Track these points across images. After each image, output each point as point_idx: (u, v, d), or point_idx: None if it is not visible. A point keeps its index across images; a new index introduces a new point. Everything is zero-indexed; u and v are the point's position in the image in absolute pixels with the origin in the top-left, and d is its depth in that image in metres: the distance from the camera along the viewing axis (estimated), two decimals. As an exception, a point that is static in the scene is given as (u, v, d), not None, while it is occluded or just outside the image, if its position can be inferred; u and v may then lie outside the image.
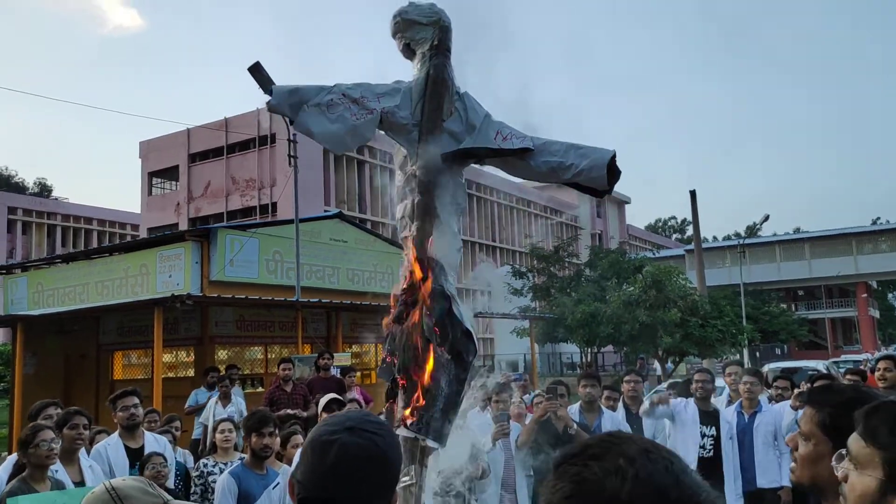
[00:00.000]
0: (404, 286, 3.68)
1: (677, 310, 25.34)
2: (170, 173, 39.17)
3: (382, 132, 3.87)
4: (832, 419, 1.74)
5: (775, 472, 6.36)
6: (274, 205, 33.51)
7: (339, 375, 10.85)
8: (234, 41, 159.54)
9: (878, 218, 77.91)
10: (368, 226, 30.26)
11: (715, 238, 75.88)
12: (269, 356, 17.10)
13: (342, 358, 13.53)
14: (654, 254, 47.96)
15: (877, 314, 60.57)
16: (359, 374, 12.64)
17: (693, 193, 32.05)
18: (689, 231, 48.35)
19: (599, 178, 3.80)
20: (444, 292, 3.56)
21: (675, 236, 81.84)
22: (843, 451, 1.38)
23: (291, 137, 19.77)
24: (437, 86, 3.72)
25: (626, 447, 0.94)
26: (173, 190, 39.33)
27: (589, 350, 31.08)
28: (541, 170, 3.92)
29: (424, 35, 3.77)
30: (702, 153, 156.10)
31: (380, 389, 12.58)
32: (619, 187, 4.28)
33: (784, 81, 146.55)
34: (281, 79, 3.55)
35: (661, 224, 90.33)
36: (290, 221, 18.48)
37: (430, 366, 3.51)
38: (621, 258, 33.10)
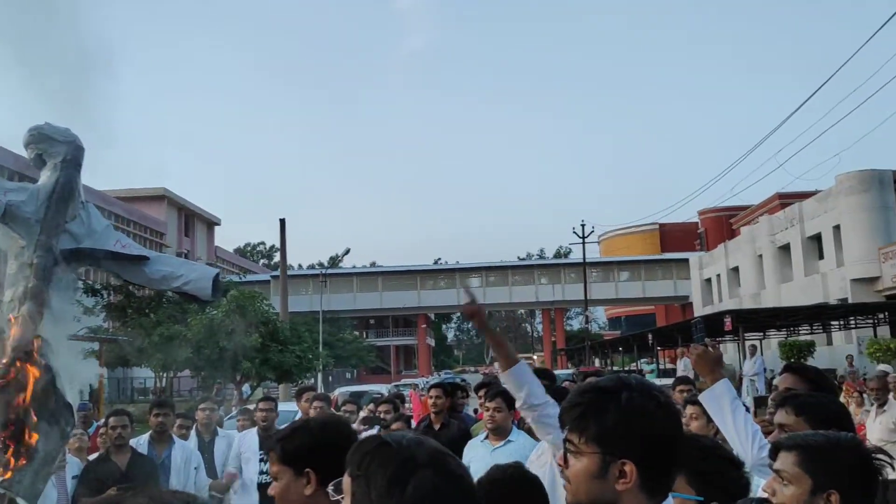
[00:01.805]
0: (7, 361, 3.92)
1: (258, 335, 25.74)
2: None
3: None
4: None
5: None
6: None
7: None
8: None
9: (440, 258, 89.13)
10: None
11: (300, 266, 78.80)
12: None
13: None
14: (240, 278, 47.94)
15: (433, 343, 69.09)
16: None
17: (283, 222, 33.06)
18: (277, 257, 49.63)
19: (204, 290, 4.54)
20: (49, 368, 3.93)
21: (262, 262, 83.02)
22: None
23: None
24: (64, 192, 4.23)
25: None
26: None
27: (164, 375, 29.78)
28: (154, 276, 4.54)
29: (58, 150, 4.28)
30: (296, 183, 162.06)
31: None
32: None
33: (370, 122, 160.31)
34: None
35: (250, 248, 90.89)
36: None
37: (31, 430, 3.80)
38: (207, 280, 32.50)
